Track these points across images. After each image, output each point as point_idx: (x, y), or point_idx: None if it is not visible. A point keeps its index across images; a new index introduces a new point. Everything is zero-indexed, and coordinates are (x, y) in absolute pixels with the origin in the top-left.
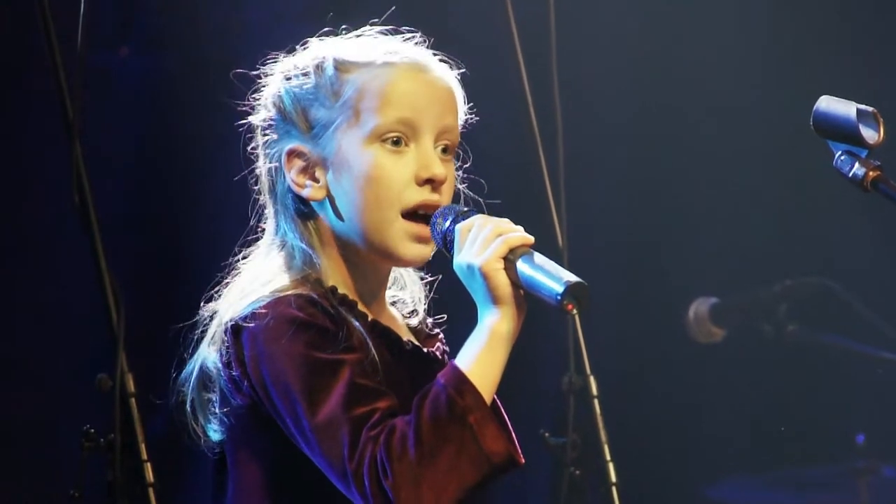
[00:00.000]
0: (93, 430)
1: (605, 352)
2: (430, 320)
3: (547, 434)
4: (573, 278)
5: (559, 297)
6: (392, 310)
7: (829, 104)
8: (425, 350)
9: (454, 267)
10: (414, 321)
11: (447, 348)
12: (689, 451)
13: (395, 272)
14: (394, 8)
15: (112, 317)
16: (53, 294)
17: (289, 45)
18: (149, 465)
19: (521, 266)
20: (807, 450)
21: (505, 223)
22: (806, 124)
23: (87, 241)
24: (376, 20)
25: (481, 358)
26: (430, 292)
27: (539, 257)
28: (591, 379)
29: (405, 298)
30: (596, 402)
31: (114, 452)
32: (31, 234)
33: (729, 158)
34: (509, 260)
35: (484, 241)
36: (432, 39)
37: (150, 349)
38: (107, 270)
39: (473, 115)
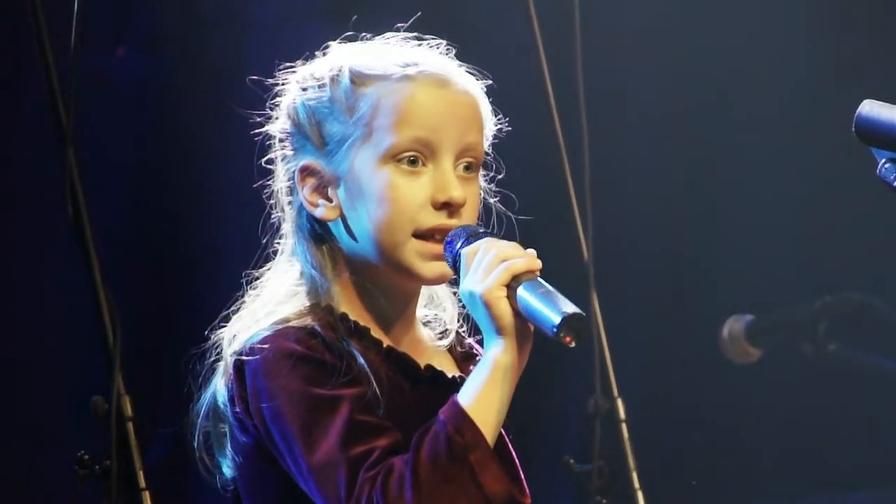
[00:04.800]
0: (87, 457)
1: (633, 373)
2: (470, 340)
3: (572, 460)
4: (571, 309)
5: (555, 329)
6: (424, 331)
7: (872, 109)
8: (449, 376)
9: (459, 293)
10: (445, 342)
11: None
12: (723, 478)
13: (430, 291)
14: (420, 13)
15: (108, 336)
16: (46, 310)
17: (292, 46)
18: (147, 493)
19: (521, 294)
20: (848, 476)
21: (511, 247)
22: (848, 131)
23: (82, 255)
24: (402, 24)
25: (483, 393)
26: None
27: (543, 285)
28: (619, 402)
29: (444, 318)
30: (624, 426)
31: (110, 480)
32: (23, 246)
33: (766, 169)
34: (513, 288)
35: (487, 268)
36: (457, 47)
37: (150, 369)
38: (102, 286)
39: (502, 125)
